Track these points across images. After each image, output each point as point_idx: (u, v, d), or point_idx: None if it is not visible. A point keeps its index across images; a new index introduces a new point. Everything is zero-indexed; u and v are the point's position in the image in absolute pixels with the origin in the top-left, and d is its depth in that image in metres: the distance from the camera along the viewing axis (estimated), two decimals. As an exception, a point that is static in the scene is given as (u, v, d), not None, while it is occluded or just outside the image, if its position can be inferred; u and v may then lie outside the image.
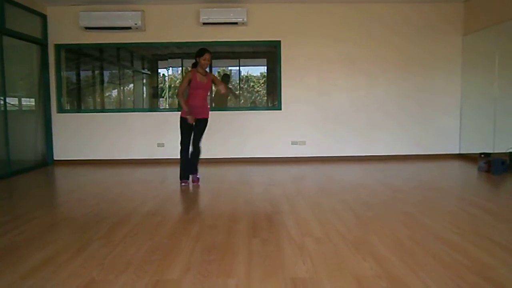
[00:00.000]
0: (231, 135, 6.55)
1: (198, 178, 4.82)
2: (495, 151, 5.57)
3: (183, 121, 4.51)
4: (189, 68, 4.76)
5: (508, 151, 5.29)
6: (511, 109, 5.51)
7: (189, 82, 4.48)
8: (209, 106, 4.82)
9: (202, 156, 6.48)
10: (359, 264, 2.29)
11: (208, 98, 5.03)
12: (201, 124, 4.62)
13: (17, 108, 5.97)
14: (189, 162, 4.66)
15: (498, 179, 4.80)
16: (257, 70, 7.27)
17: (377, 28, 6.43)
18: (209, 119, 4.68)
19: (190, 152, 4.65)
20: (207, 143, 6.52)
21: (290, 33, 6.43)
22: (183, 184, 4.64)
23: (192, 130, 4.59)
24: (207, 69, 4.67)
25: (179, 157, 4.63)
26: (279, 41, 6.43)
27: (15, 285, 2.09)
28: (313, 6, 6.37)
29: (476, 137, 6.22)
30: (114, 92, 7.38)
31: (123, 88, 7.40)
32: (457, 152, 6.62)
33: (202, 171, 5.74)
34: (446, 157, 6.58)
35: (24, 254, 2.51)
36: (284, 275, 2.15)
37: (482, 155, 5.49)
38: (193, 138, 4.62)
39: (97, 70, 7.17)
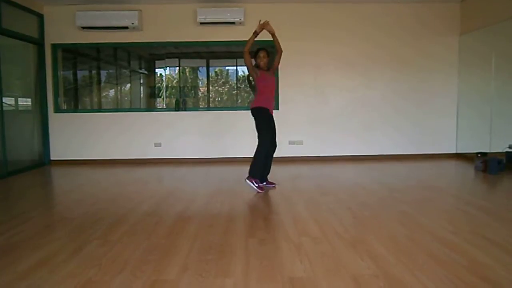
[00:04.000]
0: (227, 134, 6.55)
1: (273, 183, 4.48)
2: (492, 151, 5.59)
3: (264, 116, 4.17)
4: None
5: (504, 150, 5.31)
6: (508, 108, 5.53)
7: (257, 75, 4.24)
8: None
9: (192, 156, 6.59)
10: (356, 263, 2.29)
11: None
12: (273, 120, 4.35)
13: (13, 108, 5.94)
14: (266, 163, 4.32)
15: (494, 179, 4.81)
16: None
17: (373, 29, 6.44)
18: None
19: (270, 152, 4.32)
20: (201, 142, 6.57)
21: (287, 33, 6.41)
22: (259, 186, 4.25)
23: (272, 126, 4.28)
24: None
25: (252, 156, 4.22)
26: (276, 41, 6.42)
27: (12, 285, 2.08)
28: (310, 6, 6.37)
29: (473, 136, 6.24)
30: (111, 92, 7.36)
31: (120, 88, 7.38)
32: (454, 151, 6.64)
33: (197, 171, 5.75)
34: (443, 157, 6.60)
35: (21, 255, 2.50)
36: (282, 275, 2.15)
37: (479, 155, 5.51)
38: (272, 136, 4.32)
39: (94, 69, 7.15)
